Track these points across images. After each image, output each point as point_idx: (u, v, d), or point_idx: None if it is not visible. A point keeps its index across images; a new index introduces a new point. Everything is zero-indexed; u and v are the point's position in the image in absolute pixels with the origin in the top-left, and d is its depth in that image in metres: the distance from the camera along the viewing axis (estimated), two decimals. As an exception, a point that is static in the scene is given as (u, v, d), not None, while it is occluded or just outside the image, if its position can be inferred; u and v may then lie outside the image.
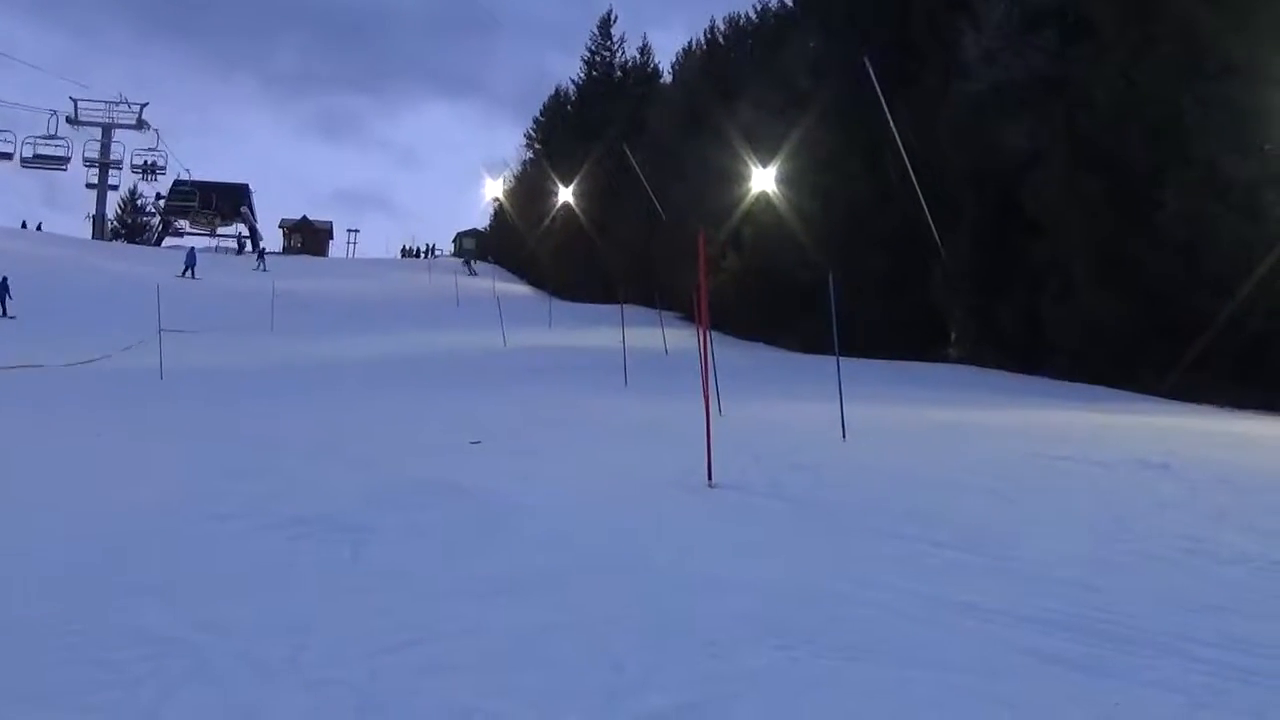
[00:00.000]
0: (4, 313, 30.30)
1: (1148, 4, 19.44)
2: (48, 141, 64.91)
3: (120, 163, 68.13)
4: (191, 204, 70.62)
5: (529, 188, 60.73)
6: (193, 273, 44.58)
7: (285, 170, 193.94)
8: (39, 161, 65.38)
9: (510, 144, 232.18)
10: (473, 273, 58.10)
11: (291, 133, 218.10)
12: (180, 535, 6.73)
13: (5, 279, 30.84)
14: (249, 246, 68.25)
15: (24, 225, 64.16)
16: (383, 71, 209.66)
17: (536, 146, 62.81)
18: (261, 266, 52.49)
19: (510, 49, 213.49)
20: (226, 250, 69.03)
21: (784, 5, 37.95)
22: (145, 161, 68.70)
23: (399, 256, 77.58)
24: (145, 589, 5.39)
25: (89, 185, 67.34)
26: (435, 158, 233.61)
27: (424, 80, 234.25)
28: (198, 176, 71.16)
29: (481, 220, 78.45)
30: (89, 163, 66.99)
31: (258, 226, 75.02)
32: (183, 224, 72.89)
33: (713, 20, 46.38)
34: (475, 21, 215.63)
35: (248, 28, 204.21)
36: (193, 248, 54.49)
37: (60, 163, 65.97)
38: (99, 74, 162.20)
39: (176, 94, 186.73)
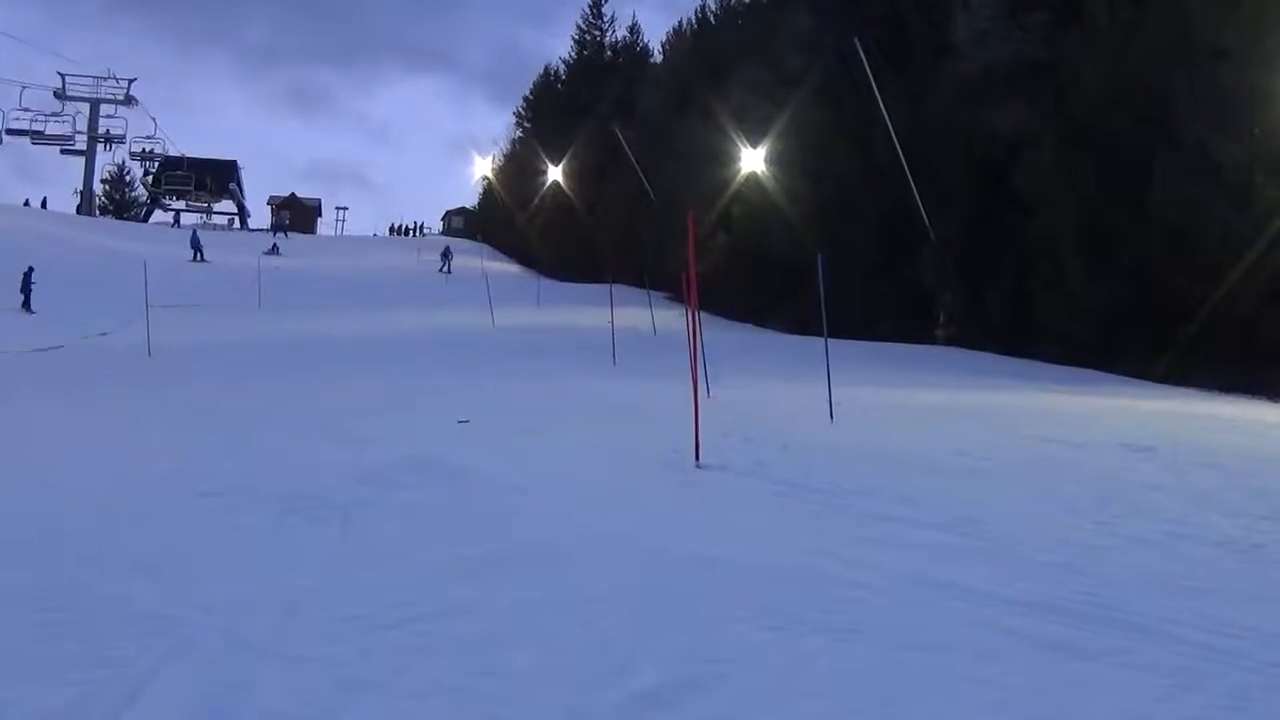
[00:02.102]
0: (28, 307, 27.63)
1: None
2: (55, 118, 64.66)
3: (119, 138, 67.84)
4: (188, 186, 70.27)
5: (519, 166, 60.42)
6: (201, 255, 43.93)
7: (258, 145, 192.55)
8: (43, 138, 65.29)
9: (484, 121, 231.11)
10: (446, 269, 47.47)
11: (263, 107, 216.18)
12: (167, 512, 6.71)
13: (31, 269, 28.23)
14: (247, 221, 67.85)
15: (42, 203, 64.06)
16: (354, 45, 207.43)
17: (526, 125, 62.45)
18: (277, 247, 51.40)
19: (482, 23, 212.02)
20: (217, 227, 68.71)
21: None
22: (145, 149, 68.96)
23: (388, 234, 77.23)
24: (132, 566, 5.38)
25: (64, 151, 66.88)
26: (409, 133, 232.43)
27: (396, 54, 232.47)
28: (179, 153, 70.81)
29: (469, 198, 78.26)
30: (91, 138, 66.66)
31: (245, 204, 74.64)
32: (172, 201, 72.37)
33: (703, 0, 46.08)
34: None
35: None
36: (195, 230, 53.13)
37: (66, 140, 65.80)
38: (69, 48, 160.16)
39: (146, 67, 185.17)
